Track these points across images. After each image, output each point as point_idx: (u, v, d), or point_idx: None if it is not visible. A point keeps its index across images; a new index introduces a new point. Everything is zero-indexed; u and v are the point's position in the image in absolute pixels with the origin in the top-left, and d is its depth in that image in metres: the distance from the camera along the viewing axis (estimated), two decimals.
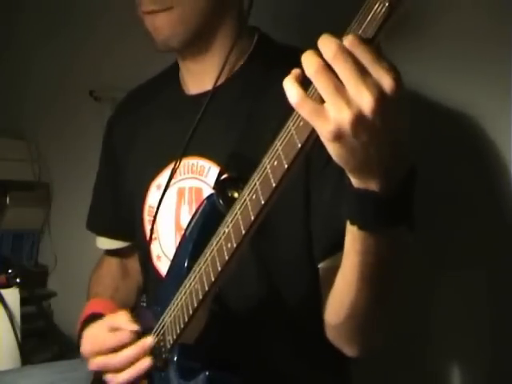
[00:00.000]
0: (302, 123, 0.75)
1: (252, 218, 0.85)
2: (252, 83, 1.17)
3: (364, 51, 0.68)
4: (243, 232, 0.88)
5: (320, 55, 0.70)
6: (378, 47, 0.70)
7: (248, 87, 1.17)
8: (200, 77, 1.21)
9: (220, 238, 0.94)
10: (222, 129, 1.17)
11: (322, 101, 0.71)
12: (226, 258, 0.92)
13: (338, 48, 0.68)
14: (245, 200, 0.87)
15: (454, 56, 1.39)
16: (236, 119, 1.16)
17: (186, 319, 1.02)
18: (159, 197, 1.21)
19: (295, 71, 0.73)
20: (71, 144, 2.22)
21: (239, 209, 0.89)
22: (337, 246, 1.00)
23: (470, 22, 1.36)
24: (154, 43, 1.16)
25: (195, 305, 1.00)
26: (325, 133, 0.71)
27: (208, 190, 1.14)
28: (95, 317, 1.22)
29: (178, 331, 1.04)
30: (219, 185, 1.06)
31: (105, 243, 1.44)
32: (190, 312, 1.01)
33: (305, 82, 0.72)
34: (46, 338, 2.12)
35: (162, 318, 1.09)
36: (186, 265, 1.06)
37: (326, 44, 0.69)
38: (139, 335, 1.10)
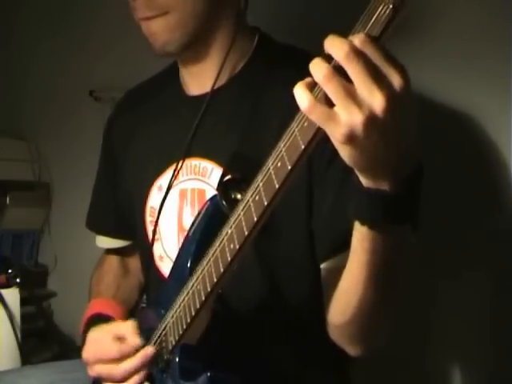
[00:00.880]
0: (305, 124, 0.76)
1: (255, 219, 0.85)
2: (253, 84, 1.17)
3: (374, 50, 0.69)
4: (246, 233, 0.88)
5: (327, 60, 0.70)
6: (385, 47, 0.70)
7: (249, 88, 1.17)
8: (200, 78, 1.20)
9: (223, 239, 0.93)
10: (225, 130, 1.17)
11: (328, 101, 0.71)
12: (229, 259, 0.92)
13: (350, 49, 0.68)
14: (248, 201, 0.87)
15: (454, 56, 1.39)
16: (238, 120, 1.16)
17: (189, 320, 1.02)
18: (161, 198, 1.21)
19: (307, 79, 0.72)
20: (71, 144, 2.22)
21: (242, 210, 0.89)
22: (339, 247, 1.01)
23: (470, 22, 1.37)
24: (152, 48, 1.16)
25: (198, 306, 1.00)
26: (337, 136, 0.71)
27: (211, 192, 1.14)
28: (100, 318, 1.22)
29: (181, 332, 1.04)
30: (222, 186, 1.06)
31: (104, 242, 1.44)
32: (193, 313, 1.01)
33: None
34: (45, 338, 2.12)
35: (164, 318, 1.09)
36: (188, 266, 1.06)
37: (337, 45, 0.69)
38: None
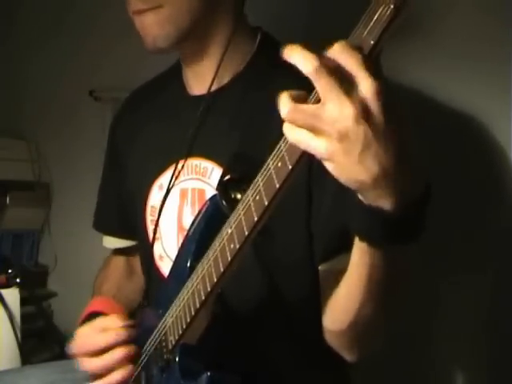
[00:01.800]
0: None
1: (255, 218, 0.85)
2: (255, 84, 1.16)
3: (348, 58, 0.68)
4: (246, 233, 0.88)
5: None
6: (378, 53, 0.70)
7: (251, 88, 1.17)
8: (201, 77, 1.20)
9: (223, 239, 0.93)
10: (225, 130, 1.16)
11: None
12: (229, 258, 0.92)
13: (318, 64, 0.68)
14: (248, 201, 0.87)
15: (454, 56, 1.39)
16: (239, 120, 1.16)
17: (188, 320, 1.02)
18: (161, 197, 1.21)
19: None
20: (71, 144, 2.22)
21: (242, 210, 0.89)
22: (337, 249, 1.01)
23: (471, 23, 1.37)
24: (144, 44, 1.15)
25: (197, 305, 0.99)
26: (318, 155, 0.72)
27: (211, 191, 1.14)
28: (95, 316, 1.22)
29: (180, 332, 1.04)
30: (222, 186, 1.06)
31: (111, 242, 1.44)
32: (193, 313, 1.01)
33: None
34: (45, 338, 2.12)
35: (163, 318, 1.09)
36: (188, 265, 1.06)
37: (304, 59, 0.69)
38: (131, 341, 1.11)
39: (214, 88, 1.17)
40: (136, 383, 1.13)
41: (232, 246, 0.91)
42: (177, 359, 1.06)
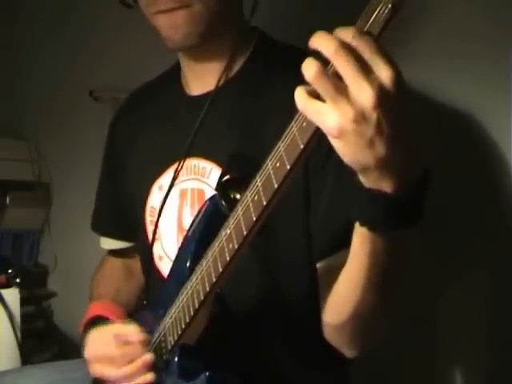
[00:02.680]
0: (304, 124, 0.76)
1: (254, 218, 0.85)
2: (253, 83, 1.16)
3: (364, 44, 0.68)
4: (245, 233, 0.88)
5: (320, 58, 0.70)
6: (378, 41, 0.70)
7: (249, 87, 1.17)
8: (203, 77, 1.20)
9: (222, 239, 0.93)
10: (224, 130, 1.16)
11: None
12: (228, 258, 0.92)
13: (339, 44, 0.68)
14: (247, 201, 0.87)
15: (454, 56, 1.39)
16: (237, 120, 1.16)
17: (188, 320, 1.02)
18: (161, 198, 1.21)
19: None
20: (71, 144, 2.22)
21: (241, 210, 0.89)
22: (336, 246, 1.01)
23: (471, 22, 1.36)
24: (167, 42, 1.14)
25: (196, 306, 1.00)
26: (328, 130, 0.71)
27: (210, 192, 1.14)
28: (99, 320, 1.22)
29: (179, 332, 1.04)
30: (221, 186, 1.06)
31: (109, 243, 1.44)
32: (192, 313, 1.01)
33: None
34: (45, 338, 2.12)
35: (163, 318, 1.09)
36: (187, 266, 1.06)
37: (325, 41, 0.69)
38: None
39: (213, 88, 1.17)
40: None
41: (231, 246, 0.91)
42: (176, 359, 1.06)
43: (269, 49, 1.21)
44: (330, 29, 0.71)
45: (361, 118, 0.69)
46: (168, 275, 1.17)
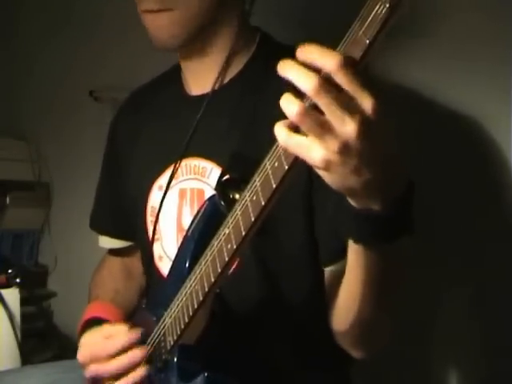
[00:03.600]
0: None
1: (252, 218, 0.85)
2: (254, 83, 1.17)
3: (344, 78, 0.69)
4: (243, 233, 0.88)
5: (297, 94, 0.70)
6: (365, 66, 0.70)
7: (250, 88, 1.17)
8: (202, 77, 1.20)
9: (220, 239, 0.93)
10: (224, 130, 1.17)
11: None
12: (226, 259, 0.92)
13: (318, 83, 0.68)
14: (245, 201, 0.87)
15: (454, 56, 1.39)
16: (238, 120, 1.16)
17: (187, 320, 1.02)
18: (161, 197, 1.21)
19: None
20: (71, 144, 2.22)
21: (240, 210, 0.89)
22: (342, 253, 1.00)
23: (471, 23, 1.37)
24: (153, 42, 1.16)
25: (195, 306, 0.99)
26: (314, 164, 0.72)
27: (209, 192, 1.14)
28: (94, 321, 1.22)
29: (179, 332, 1.04)
30: (221, 186, 1.06)
31: (107, 242, 1.44)
32: (191, 313, 1.01)
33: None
34: (45, 338, 2.12)
35: (162, 318, 1.09)
36: (187, 265, 1.06)
37: (303, 77, 0.69)
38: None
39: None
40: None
41: (229, 246, 0.91)
42: (175, 360, 1.06)
43: (271, 49, 1.20)
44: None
45: (345, 149, 0.70)
46: (167, 275, 1.17)
